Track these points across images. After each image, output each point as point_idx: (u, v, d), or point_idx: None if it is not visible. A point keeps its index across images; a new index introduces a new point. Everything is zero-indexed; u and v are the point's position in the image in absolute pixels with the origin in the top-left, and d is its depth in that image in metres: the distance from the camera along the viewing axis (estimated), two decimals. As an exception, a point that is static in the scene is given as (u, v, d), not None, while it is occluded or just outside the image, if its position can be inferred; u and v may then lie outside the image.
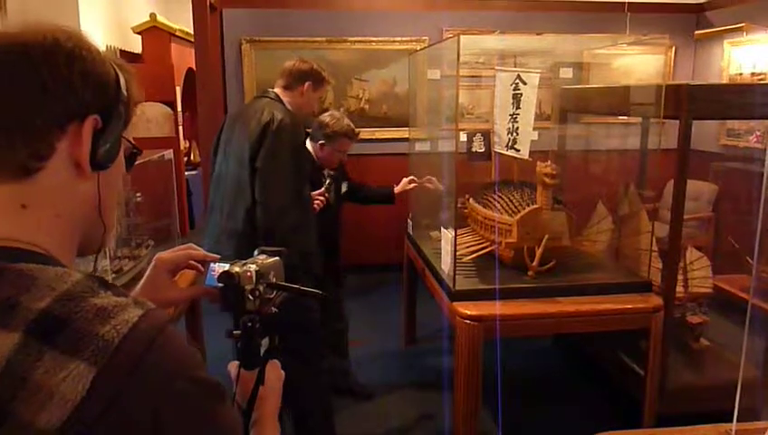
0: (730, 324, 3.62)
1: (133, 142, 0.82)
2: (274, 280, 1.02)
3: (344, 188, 3.25)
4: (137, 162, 0.88)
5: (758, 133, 4.67)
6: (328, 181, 2.94)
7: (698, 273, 3.01)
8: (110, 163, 0.75)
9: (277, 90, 2.57)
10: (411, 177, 3.48)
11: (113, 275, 2.28)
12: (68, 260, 0.72)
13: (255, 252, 1.07)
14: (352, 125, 3.06)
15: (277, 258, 1.06)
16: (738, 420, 1.63)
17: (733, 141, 4.93)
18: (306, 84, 2.55)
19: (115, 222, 0.82)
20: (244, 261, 1.02)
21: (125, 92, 0.75)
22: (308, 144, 3.08)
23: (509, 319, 2.46)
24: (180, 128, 5.51)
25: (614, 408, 3.19)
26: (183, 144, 5.99)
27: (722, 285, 3.70)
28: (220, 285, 0.99)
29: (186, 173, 6.01)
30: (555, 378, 3.64)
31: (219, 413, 0.69)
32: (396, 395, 3.38)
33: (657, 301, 2.58)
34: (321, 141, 3.00)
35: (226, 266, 1.01)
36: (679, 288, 2.88)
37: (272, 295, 1.01)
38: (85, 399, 0.57)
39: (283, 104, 2.48)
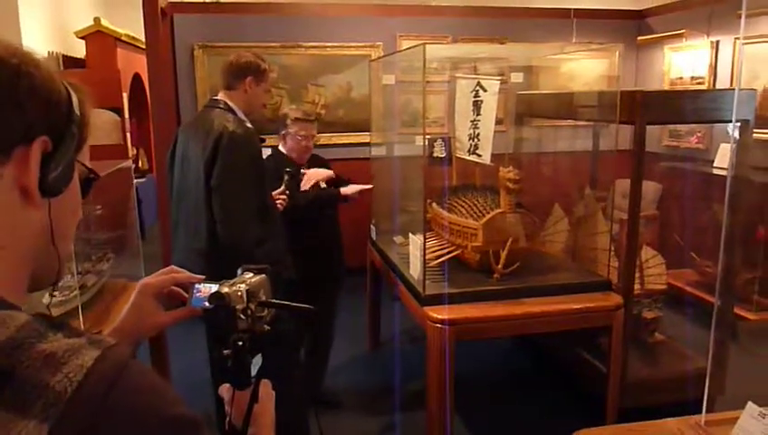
0: (677, 317, 3.80)
1: (89, 166, 0.75)
2: (264, 298, 1.02)
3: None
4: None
5: (698, 135, 4.91)
6: (286, 178, 2.88)
7: (653, 270, 3.15)
8: (62, 189, 0.68)
9: (222, 95, 2.46)
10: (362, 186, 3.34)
11: (78, 292, 2.21)
12: (16, 297, 0.64)
13: (239, 270, 1.06)
14: (307, 110, 3.19)
15: (264, 276, 1.06)
16: (696, 410, 1.71)
17: (675, 142, 5.16)
18: (247, 79, 2.43)
19: (71, 251, 0.76)
20: (231, 281, 1.02)
21: (78, 112, 0.69)
22: (280, 145, 3.11)
23: (478, 321, 2.52)
24: (128, 135, 5.37)
25: (575, 403, 3.29)
26: (131, 151, 5.83)
27: (669, 280, 3.88)
28: (207, 305, 0.99)
29: (134, 181, 5.86)
30: (518, 377, 3.72)
31: None
32: (364, 401, 3.38)
33: (617, 299, 2.68)
34: (282, 132, 3.10)
35: (212, 287, 1.01)
36: (635, 285, 3.00)
37: (263, 313, 1.01)
38: None
39: (234, 112, 2.38)
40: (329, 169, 3.27)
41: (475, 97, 2.97)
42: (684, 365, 3.11)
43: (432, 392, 2.51)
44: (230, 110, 2.37)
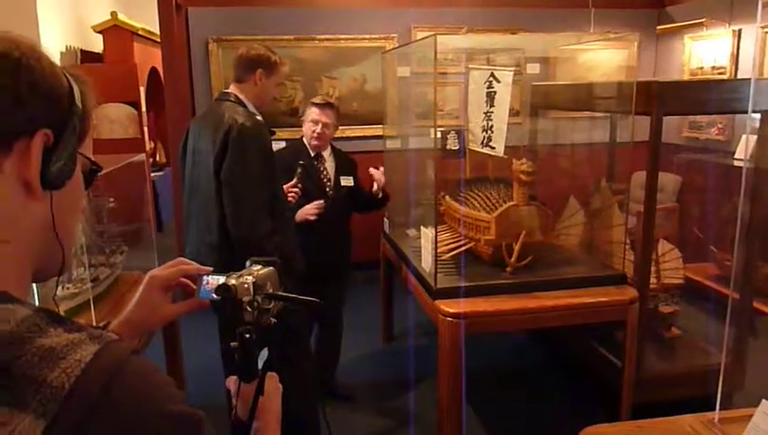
0: (697, 312, 3.74)
1: (91, 158, 0.75)
2: (271, 290, 1.02)
3: (347, 182, 3.16)
4: (107, 170, 0.81)
5: (719, 126, 4.81)
6: (299, 171, 2.86)
7: (670, 264, 3.09)
8: (64, 181, 0.67)
9: (233, 88, 2.46)
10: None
11: (90, 284, 2.23)
12: (19, 290, 0.64)
13: (248, 263, 1.06)
14: (323, 95, 3.19)
15: (272, 268, 1.05)
16: (713, 406, 1.67)
17: (695, 134, 5.07)
18: (257, 72, 2.41)
19: (75, 243, 0.76)
20: (238, 273, 1.01)
21: (79, 104, 0.68)
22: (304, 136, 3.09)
23: (490, 315, 2.49)
24: (145, 128, 5.41)
25: (589, 398, 3.26)
26: (148, 145, 5.88)
27: (688, 274, 3.82)
28: (215, 297, 0.99)
29: (152, 174, 5.91)
30: (531, 372, 3.69)
31: None
32: (377, 394, 3.38)
33: (632, 293, 2.63)
34: (301, 118, 3.11)
35: (220, 279, 1.01)
36: (652, 279, 2.95)
37: (270, 306, 1.01)
38: None
39: (244, 105, 2.38)
40: (355, 169, 3.22)
41: (488, 88, 2.93)
42: (701, 360, 3.07)
43: (443, 387, 2.50)
44: (240, 103, 2.37)
